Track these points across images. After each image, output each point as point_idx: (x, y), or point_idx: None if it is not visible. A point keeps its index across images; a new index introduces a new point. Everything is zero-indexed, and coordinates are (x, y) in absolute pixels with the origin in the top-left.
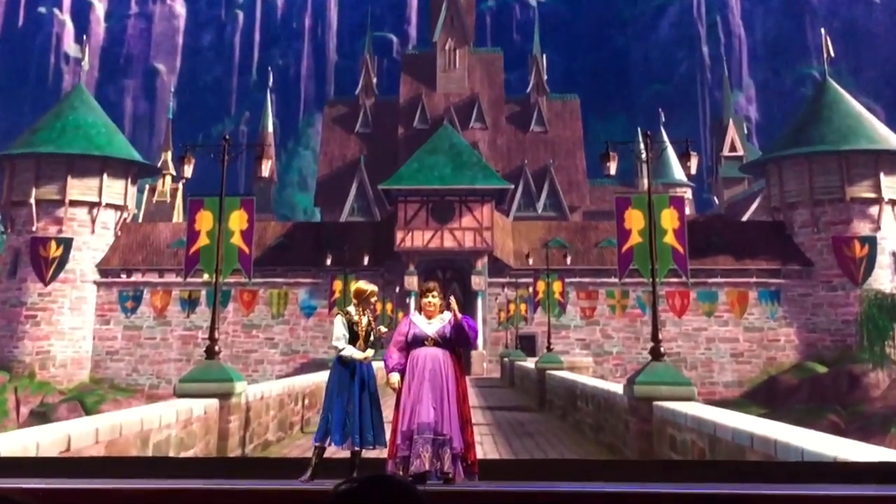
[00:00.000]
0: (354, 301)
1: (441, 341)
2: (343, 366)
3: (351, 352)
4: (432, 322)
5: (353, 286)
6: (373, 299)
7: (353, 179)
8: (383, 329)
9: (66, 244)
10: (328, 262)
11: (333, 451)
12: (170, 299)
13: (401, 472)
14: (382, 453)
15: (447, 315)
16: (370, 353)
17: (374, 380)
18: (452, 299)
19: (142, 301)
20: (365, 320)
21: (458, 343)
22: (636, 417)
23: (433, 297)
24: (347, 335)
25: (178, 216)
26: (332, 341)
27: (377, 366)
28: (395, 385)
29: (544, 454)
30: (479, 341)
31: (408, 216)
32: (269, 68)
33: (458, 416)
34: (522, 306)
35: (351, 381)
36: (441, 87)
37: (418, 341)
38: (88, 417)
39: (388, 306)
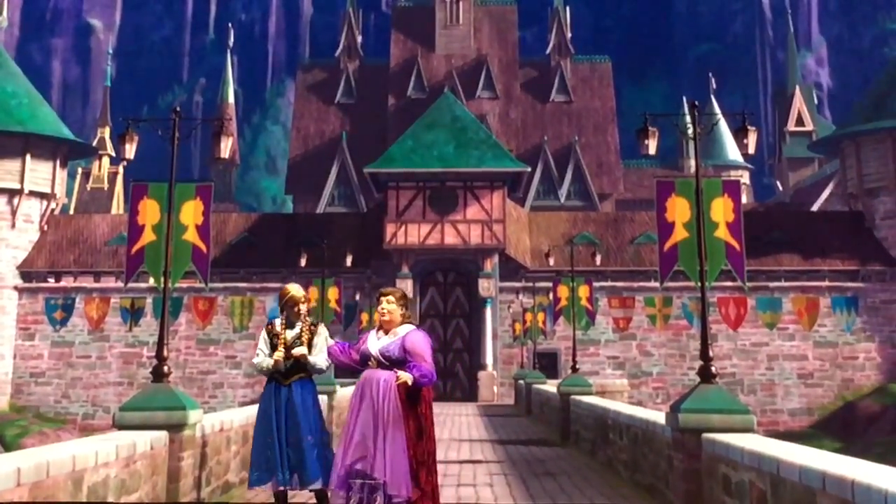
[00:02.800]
0: (280, 308)
1: (385, 362)
2: (269, 386)
3: (259, 360)
4: (382, 338)
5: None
6: (296, 308)
7: (332, 161)
8: (299, 351)
9: None
10: (303, 262)
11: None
12: (108, 309)
13: None
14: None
15: (403, 329)
16: (278, 355)
17: (309, 401)
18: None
19: (73, 311)
20: (290, 334)
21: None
22: (682, 453)
23: (388, 303)
24: (267, 349)
25: (117, 207)
26: None
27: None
28: (278, 360)
29: (569, 499)
30: (489, 360)
31: (400, 206)
32: (230, 24)
33: (405, 456)
34: (541, 316)
35: (274, 403)
36: (441, 47)
37: (364, 361)
38: (8, 454)
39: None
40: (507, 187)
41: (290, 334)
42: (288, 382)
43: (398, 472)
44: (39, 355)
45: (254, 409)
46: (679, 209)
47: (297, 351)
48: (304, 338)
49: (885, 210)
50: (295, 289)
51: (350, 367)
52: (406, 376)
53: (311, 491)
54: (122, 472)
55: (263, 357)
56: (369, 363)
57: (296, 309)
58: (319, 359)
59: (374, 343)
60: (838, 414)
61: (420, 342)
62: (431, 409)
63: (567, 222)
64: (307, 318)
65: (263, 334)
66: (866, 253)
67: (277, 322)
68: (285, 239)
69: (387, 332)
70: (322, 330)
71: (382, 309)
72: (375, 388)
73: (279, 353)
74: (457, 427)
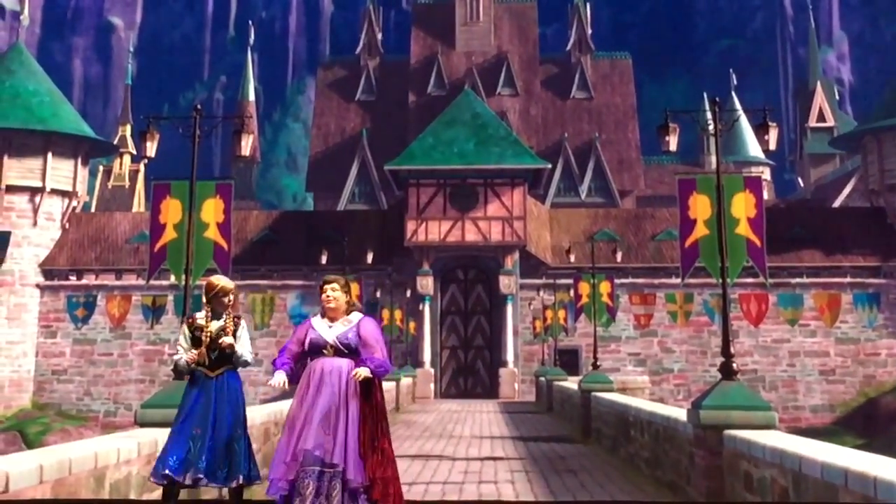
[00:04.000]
0: (205, 301)
1: (343, 350)
2: (189, 381)
3: (178, 356)
4: (334, 325)
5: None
6: (226, 299)
7: (353, 158)
8: (227, 341)
9: (3, 239)
10: (323, 259)
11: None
12: (129, 306)
13: None
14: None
15: (355, 317)
16: (197, 351)
17: (238, 394)
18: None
19: (95, 309)
20: (215, 325)
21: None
22: (703, 450)
23: (333, 290)
24: (187, 344)
25: (138, 204)
26: None
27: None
28: (279, 385)
29: (590, 495)
30: (510, 357)
31: (421, 203)
32: (250, 22)
33: (358, 442)
34: (562, 313)
35: (205, 395)
36: (461, 44)
37: (316, 349)
38: (31, 451)
39: (398, 314)
40: (527, 184)
41: (214, 325)
42: (216, 374)
43: (352, 458)
44: (61, 353)
45: (275, 405)
46: (700, 206)
47: (226, 340)
48: (230, 329)
49: None
50: (225, 280)
51: (290, 356)
52: (364, 371)
53: (227, 487)
54: (144, 469)
55: (183, 353)
56: (324, 351)
57: (225, 299)
58: (245, 351)
59: (327, 331)
60: (860, 410)
61: (374, 330)
62: (384, 397)
63: (588, 219)
64: (231, 311)
65: (184, 329)
66: (888, 249)
67: (200, 315)
68: (306, 236)
69: (332, 320)
70: (244, 324)
71: (328, 297)
72: (336, 377)
73: (197, 351)
74: (478, 424)
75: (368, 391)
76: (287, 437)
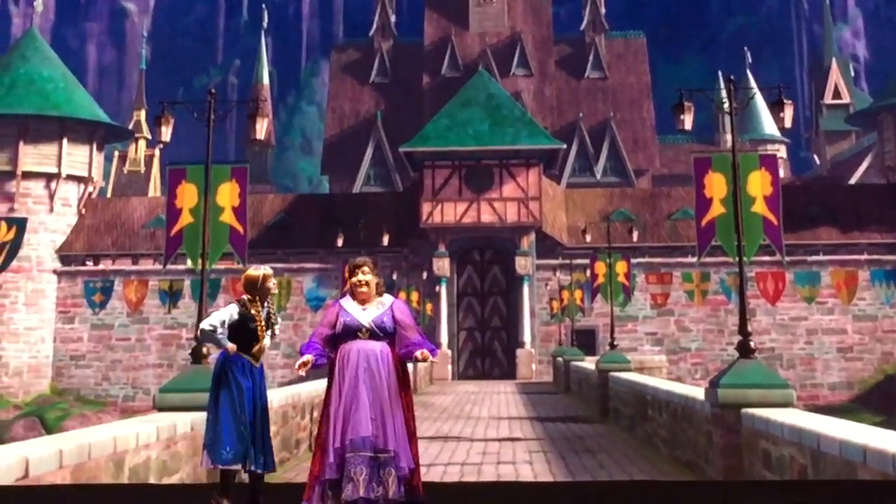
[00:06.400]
0: (247, 295)
1: (379, 332)
2: (238, 360)
3: (220, 335)
4: (367, 308)
5: (244, 276)
6: (269, 284)
7: (368, 141)
8: (265, 345)
9: (20, 225)
10: (339, 242)
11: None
12: (146, 291)
13: (330, 500)
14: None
15: (387, 299)
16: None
17: (265, 384)
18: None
19: (112, 294)
20: (264, 313)
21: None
22: (721, 429)
23: (365, 274)
24: (221, 328)
25: (154, 189)
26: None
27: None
28: (307, 363)
29: (608, 475)
30: (527, 338)
31: (436, 185)
32: (264, 6)
33: (405, 428)
34: (578, 293)
35: (246, 384)
36: (475, 25)
37: (350, 332)
38: (50, 437)
39: (415, 296)
40: (542, 164)
41: (263, 315)
42: (258, 363)
43: (402, 443)
44: (79, 338)
45: (293, 388)
46: (716, 184)
47: (265, 344)
48: (272, 321)
49: None
50: (263, 270)
51: (320, 339)
52: (429, 354)
53: (250, 472)
54: (162, 453)
55: (224, 337)
56: (359, 335)
57: (269, 284)
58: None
59: (361, 314)
60: (878, 387)
61: (408, 312)
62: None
63: (603, 199)
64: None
65: (233, 308)
66: None
67: (250, 305)
68: (322, 219)
69: (363, 303)
70: (279, 318)
71: (360, 281)
72: (375, 360)
73: (266, 340)
74: (496, 405)
75: (406, 376)
76: (332, 426)
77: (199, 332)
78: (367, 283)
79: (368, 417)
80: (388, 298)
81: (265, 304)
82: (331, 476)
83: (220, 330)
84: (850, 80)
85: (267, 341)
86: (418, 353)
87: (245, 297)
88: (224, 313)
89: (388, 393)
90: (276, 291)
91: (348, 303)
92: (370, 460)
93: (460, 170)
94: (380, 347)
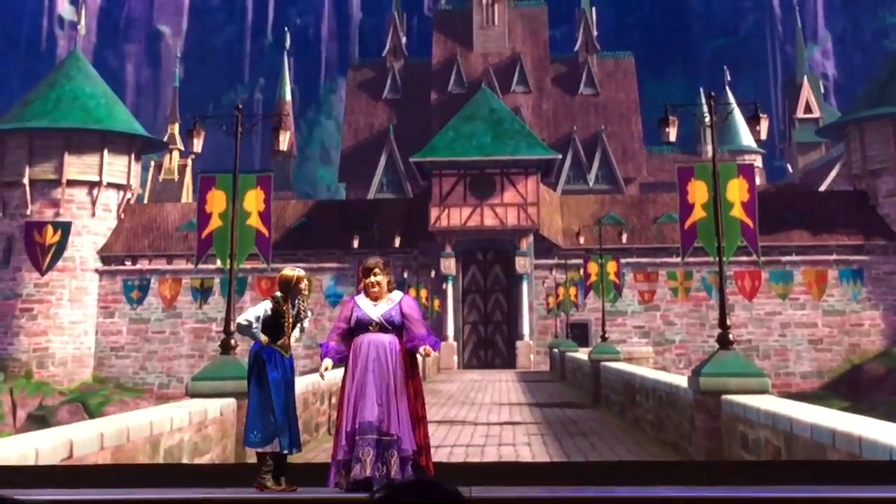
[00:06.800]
0: (280, 292)
1: (388, 326)
2: (272, 352)
3: (256, 329)
4: (378, 304)
5: (279, 275)
6: (301, 285)
7: (381, 151)
8: (293, 340)
9: (65, 229)
10: (355, 244)
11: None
12: (180, 288)
13: (343, 479)
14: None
15: (396, 296)
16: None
17: (293, 376)
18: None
19: (149, 291)
20: (294, 311)
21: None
22: (702, 413)
23: (376, 276)
24: (255, 322)
25: (187, 196)
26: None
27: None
28: (327, 368)
29: (600, 455)
30: (526, 331)
31: (443, 192)
32: (286, 29)
33: (409, 413)
34: (573, 290)
35: (282, 374)
36: (478, 46)
37: (362, 326)
38: (92, 421)
39: (423, 293)
40: (540, 173)
41: (292, 312)
42: (289, 354)
43: (405, 427)
44: (119, 331)
45: (313, 377)
46: (698, 191)
47: (294, 338)
48: (301, 316)
49: (888, 189)
50: (297, 272)
51: (337, 334)
52: (432, 350)
53: (275, 454)
54: (194, 436)
55: (259, 332)
56: (369, 328)
57: (301, 285)
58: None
59: (372, 309)
60: (846, 376)
61: (415, 307)
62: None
63: (595, 204)
64: (304, 297)
65: (267, 304)
66: (870, 229)
67: (284, 305)
68: (339, 223)
69: (375, 299)
70: (310, 314)
71: (371, 282)
72: (383, 351)
73: (294, 334)
74: (497, 392)
75: (413, 365)
76: (344, 412)
77: (236, 325)
78: (377, 284)
79: (375, 403)
80: (397, 295)
81: (295, 303)
82: (344, 457)
83: (254, 324)
84: (820, 96)
85: (296, 334)
86: (422, 349)
87: (278, 294)
88: (259, 309)
89: (393, 381)
90: (307, 293)
91: (362, 299)
92: (375, 442)
93: (465, 178)
94: (388, 339)
